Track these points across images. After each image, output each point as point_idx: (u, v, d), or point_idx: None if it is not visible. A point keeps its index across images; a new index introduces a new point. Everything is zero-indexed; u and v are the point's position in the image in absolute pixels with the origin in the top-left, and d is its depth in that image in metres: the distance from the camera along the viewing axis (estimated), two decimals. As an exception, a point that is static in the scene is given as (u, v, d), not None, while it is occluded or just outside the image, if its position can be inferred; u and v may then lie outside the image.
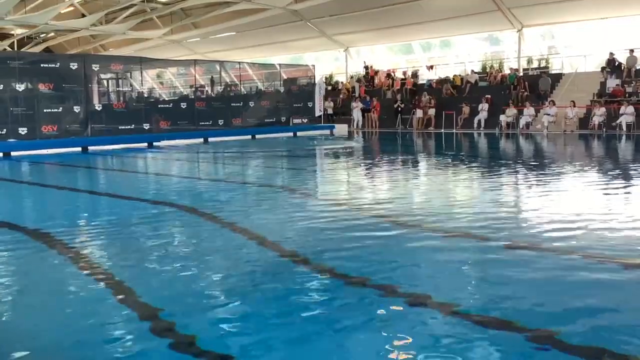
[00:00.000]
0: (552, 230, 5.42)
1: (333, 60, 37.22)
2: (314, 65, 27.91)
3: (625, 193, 8.08)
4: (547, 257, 4.53)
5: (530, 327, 3.11)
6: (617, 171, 11.01)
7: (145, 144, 18.16)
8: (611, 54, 23.70)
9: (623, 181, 9.37)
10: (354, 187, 9.46)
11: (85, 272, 4.35)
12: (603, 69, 23.82)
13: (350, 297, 3.70)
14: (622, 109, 20.56)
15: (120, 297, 3.77)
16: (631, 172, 10.74)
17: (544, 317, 3.28)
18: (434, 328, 3.17)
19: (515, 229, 5.68)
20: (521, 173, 10.82)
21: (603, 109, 21.06)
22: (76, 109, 18.01)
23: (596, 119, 20.90)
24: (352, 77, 32.93)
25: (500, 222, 5.87)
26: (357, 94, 29.83)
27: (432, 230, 5.59)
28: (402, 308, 3.50)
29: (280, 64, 27.52)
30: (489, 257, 4.63)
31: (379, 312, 3.41)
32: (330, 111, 28.42)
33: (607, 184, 9.03)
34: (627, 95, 21.77)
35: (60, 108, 17.77)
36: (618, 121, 20.45)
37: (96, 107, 19.03)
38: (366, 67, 32.47)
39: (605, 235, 5.23)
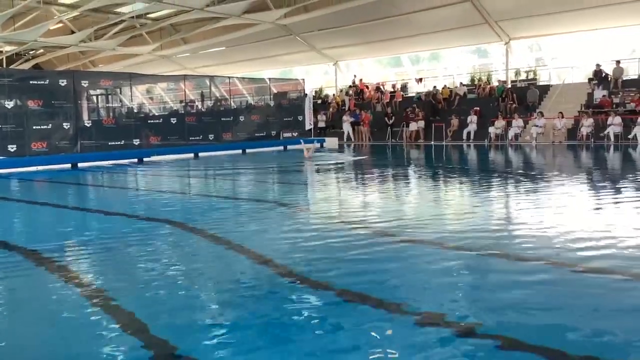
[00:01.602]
0: (552, 243, 5.45)
1: (323, 74, 37.40)
2: (303, 79, 28.02)
3: (617, 204, 8.14)
4: (548, 270, 4.55)
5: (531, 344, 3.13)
6: (608, 182, 11.08)
7: (136, 160, 18.13)
8: (598, 65, 23.94)
9: (616, 193, 9.42)
10: (346, 201, 9.47)
11: (78, 291, 4.32)
12: (590, 80, 24.05)
13: (351, 315, 3.69)
14: (610, 120, 20.75)
15: (115, 318, 3.73)
16: (622, 182, 10.82)
17: (547, 333, 3.29)
18: (432, 343, 3.17)
19: (511, 242, 5.70)
20: (516, 185, 10.86)
21: (591, 120, 21.23)
22: (65, 125, 17.96)
23: (584, 130, 21.06)
24: (341, 91, 33.07)
25: (502, 235, 5.91)
26: (346, 107, 29.96)
27: (428, 244, 5.60)
28: (404, 325, 3.49)
29: (270, 78, 27.62)
30: (489, 271, 4.64)
31: (378, 329, 3.41)
32: (322, 124, 28.49)
33: (600, 195, 9.11)
34: (614, 106, 21.98)
35: (50, 125, 17.71)
36: (606, 132, 20.63)
37: (86, 124, 18.98)
38: (353, 82, 32.54)
39: (605, 247, 5.26)
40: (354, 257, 5.07)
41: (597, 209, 7.81)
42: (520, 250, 5.25)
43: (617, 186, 10.09)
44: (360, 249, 5.32)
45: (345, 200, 9.46)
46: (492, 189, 10.26)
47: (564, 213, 7.33)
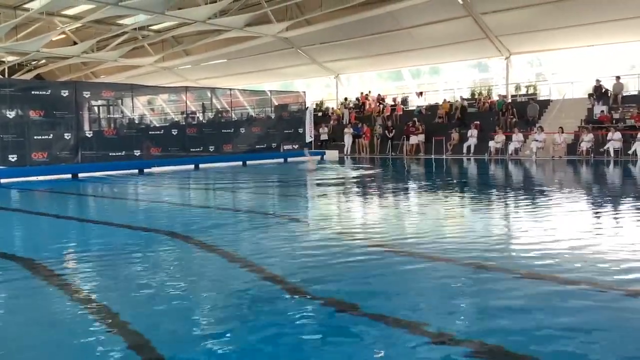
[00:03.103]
0: (544, 256, 5.45)
1: (324, 87, 37.52)
2: (304, 92, 28.12)
3: (616, 218, 8.16)
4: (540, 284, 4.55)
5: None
6: (606, 197, 11.10)
7: (136, 171, 18.15)
8: (598, 80, 24.02)
9: (611, 208, 9.44)
10: (348, 215, 9.48)
11: (76, 301, 4.32)
12: (590, 95, 24.13)
13: (346, 327, 3.69)
14: (610, 135, 20.80)
15: (112, 328, 3.73)
16: (620, 199, 10.84)
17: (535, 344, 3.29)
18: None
19: (513, 256, 5.70)
20: (518, 200, 10.87)
21: (591, 135, 21.28)
22: (67, 135, 18.00)
23: (584, 145, 21.11)
24: (342, 104, 33.16)
25: (505, 249, 5.92)
26: (346, 121, 30.07)
27: (424, 256, 5.60)
28: (399, 338, 3.49)
29: (271, 91, 27.71)
30: (485, 284, 4.64)
31: (373, 341, 3.41)
32: (324, 137, 28.56)
33: (598, 211, 9.12)
34: (614, 121, 22.04)
35: (51, 135, 17.75)
36: (606, 147, 20.67)
37: (87, 134, 19.01)
38: (358, 99, 32.53)
39: (601, 261, 5.25)
40: (358, 271, 5.07)
41: (602, 225, 7.82)
42: (532, 266, 5.25)
43: (621, 203, 10.10)
44: (365, 264, 5.33)
45: (347, 214, 9.46)
46: (497, 204, 10.27)
47: (576, 230, 7.33)
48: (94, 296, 4.49)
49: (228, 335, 3.56)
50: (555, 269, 4.99)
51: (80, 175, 16.85)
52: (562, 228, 7.33)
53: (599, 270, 4.95)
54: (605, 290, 4.35)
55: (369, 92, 32.69)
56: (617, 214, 8.72)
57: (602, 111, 22.76)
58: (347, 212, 9.59)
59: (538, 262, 5.26)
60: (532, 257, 5.47)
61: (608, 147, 20.61)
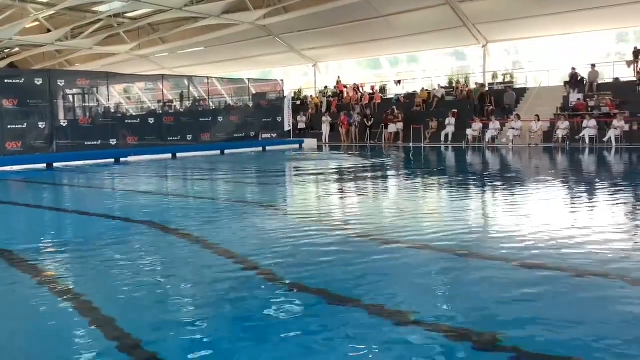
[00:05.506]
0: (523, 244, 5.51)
1: (302, 75, 37.41)
2: (282, 80, 28.01)
3: (590, 205, 8.27)
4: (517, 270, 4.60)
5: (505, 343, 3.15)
6: (581, 184, 11.25)
7: (112, 160, 17.96)
8: (573, 68, 24.25)
9: (587, 194, 9.57)
10: (329, 203, 9.48)
11: (51, 291, 4.27)
12: (566, 83, 24.37)
13: (326, 315, 3.69)
14: (585, 123, 21.03)
15: (88, 317, 3.68)
16: (595, 185, 10.99)
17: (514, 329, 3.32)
18: (411, 344, 3.17)
19: (491, 243, 5.75)
20: (495, 187, 10.96)
21: (567, 123, 21.50)
22: (41, 124, 17.71)
23: (560, 133, 21.33)
24: (320, 92, 33.11)
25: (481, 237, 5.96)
26: (324, 109, 30.05)
27: (405, 243, 5.62)
28: (379, 325, 3.50)
29: (249, 79, 27.55)
30: (464, 270, 4.68)
31: (354, 329, 3.41)
32: (302, 126, 28.52)
33: (572, 197, 9.24)
34: (589, 109, 22.29)
35: (25, 124, 17.46)
36: (581, 134, 20.90)
37: (62, 123, 18.73)
38: (335, 87, 32.52)
39: (578, 248, 5.32)
40: (337, 259, 5.07)
41: (571, 211, 7.93)
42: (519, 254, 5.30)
43: (590, 190, 10.25)
44: (347, 252, 5.34)
45: (329, 202, 9.45)
46: (476, 192, 10.34)
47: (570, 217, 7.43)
48: (68, 285, 4.44)
49: (206, 324, 3.54)
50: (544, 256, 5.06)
51: (55, 164, 16.63)
52: (541, 215, 7.42)
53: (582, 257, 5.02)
54: (584, 276, 4.42)
55: (339, 77, 32.72)
56: (596, 200, 8.84)
57: (578, 99, 23.01)
58: (326, 200, 9.59)
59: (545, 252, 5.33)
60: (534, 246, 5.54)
61: (583, 135, 20.84)
